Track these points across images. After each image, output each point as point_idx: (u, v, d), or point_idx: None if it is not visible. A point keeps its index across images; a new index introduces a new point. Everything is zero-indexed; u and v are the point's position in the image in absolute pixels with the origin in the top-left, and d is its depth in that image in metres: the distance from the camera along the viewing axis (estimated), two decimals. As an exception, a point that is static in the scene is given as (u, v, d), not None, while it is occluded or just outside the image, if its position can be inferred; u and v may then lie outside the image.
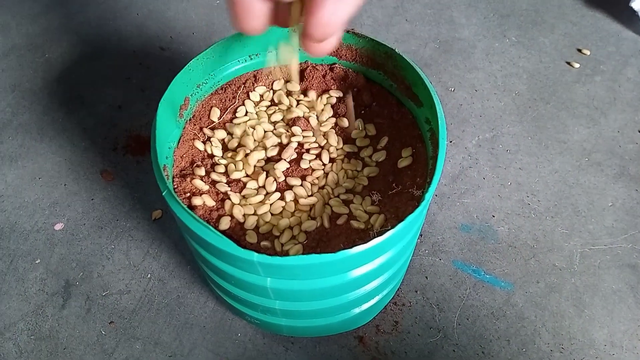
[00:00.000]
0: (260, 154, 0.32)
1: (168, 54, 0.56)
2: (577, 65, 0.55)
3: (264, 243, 0.29)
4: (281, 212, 0.30)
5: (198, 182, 0.30)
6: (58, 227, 0.44)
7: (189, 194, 0.30)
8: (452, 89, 0.53)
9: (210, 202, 0.30)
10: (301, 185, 0.31)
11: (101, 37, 0.58)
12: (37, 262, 0.43)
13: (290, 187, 0.31)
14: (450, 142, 0.49)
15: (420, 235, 0.43)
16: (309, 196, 0.31)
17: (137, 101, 0.52)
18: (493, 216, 0.44)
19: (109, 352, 0.38)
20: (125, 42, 0.57)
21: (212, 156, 0.32)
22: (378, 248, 0.26)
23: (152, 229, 0.44)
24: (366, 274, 0.29)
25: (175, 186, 0.30)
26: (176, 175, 0.31)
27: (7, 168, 0.48)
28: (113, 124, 0.51)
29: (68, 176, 0.47)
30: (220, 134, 0.33)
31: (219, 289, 0.34)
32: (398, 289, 0.41)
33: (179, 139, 0.33)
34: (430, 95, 0.31)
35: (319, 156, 0.32)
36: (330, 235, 0.29)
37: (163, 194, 0.27)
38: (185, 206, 0.26)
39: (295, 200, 0.31)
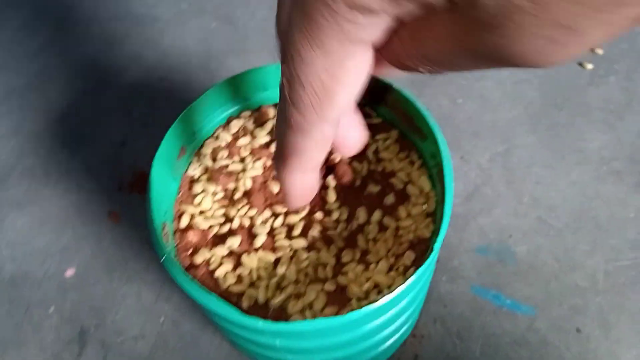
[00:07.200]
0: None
1: (167, 84, 0.55)
2: (590, 66, 0.52)
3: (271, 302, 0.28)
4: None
5: (198, 235, 0.30)
6: (69, 273, 0.44)
7: (191, 250, 0.30)
8: (460, 101, 0.51)
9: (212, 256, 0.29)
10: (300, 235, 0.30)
11: (100, 72, 0.57)
12: (51, 310, 0.43)
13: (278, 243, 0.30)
14: (461, 157, 0.47)
15: (437, 261, 0.42)
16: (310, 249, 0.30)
17: (140, 136, 0.52)
18: (510, 236, 0.43)
19: (127, 402, 0.38)
20: (124, 75, 0.57)
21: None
22: (391, 304, 0.25)
23: (163, 270, 0.43)
24: (382, 324, 0.28)
25: (177, 242, 0.30)
26: (177, 230, 0.30)
27: (15, 214, 0.48)
28: (117, 161, 0.50)
29: (76, 220, 0.47)
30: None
31: (229, 338, 0.34)
32: (417, 320, 0.39)
33: (178, 191, 0.32)
34: (430, 128, 0.29)
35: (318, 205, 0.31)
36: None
37: (161, 261, 0.26)
38: (185, 273, 0.25)
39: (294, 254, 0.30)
